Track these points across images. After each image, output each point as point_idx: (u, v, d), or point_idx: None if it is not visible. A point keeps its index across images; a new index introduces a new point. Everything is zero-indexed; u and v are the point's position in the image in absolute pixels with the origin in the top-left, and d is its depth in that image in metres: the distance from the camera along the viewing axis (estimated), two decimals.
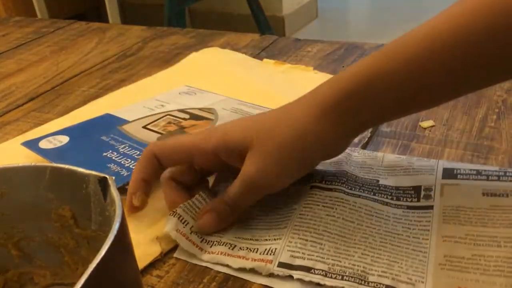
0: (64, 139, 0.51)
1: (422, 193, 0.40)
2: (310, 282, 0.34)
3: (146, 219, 0.42)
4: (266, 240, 0.38)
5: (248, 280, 0.36)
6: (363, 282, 0.34)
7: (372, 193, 0.40)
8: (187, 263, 0.38)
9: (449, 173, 0.41)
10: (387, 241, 0.37)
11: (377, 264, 0.35)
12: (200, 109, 0.56)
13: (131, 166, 0.46)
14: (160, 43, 0.81)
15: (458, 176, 0.41)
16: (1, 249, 0.32)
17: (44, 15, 2.27)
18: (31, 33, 0.90)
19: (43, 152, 0.49)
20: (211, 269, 0.37)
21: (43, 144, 0.51)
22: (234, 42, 0.78)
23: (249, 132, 0.38)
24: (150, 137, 0.51)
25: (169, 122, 0.54)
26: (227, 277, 0.36)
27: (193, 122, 0.54)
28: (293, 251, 0.36)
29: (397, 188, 0.41)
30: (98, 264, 0.22)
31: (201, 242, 0.39)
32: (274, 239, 0.37)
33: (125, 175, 0.45)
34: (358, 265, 0.35)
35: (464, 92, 0.40)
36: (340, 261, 0.35)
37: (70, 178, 0.29)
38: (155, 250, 0.39)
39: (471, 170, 0.41)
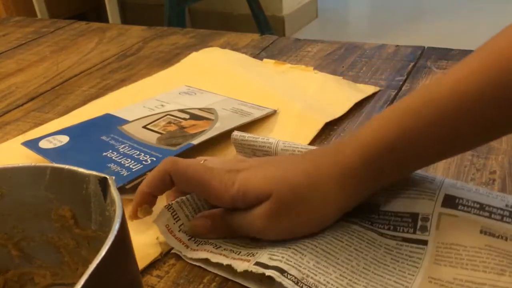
0: (64, 139, 0.51)
1: (419, 223, 0.37)
2: (281, 285, 0.33)
3: (147, 219, 0.42)
4: (251, 247, 0.38)
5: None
6: None
7: (369, 223, 0.39)
8: (187, 264, 0.38)
9: (450, 202, 0.37)
10: (371, 269, 0.36)
11: None
12: (200, 109, 0.56)
13: (131, 166, 0.46)
14: (160, 43, 0.81)
15: (459, 207, 0.37)
16: (1, 249, 0.32)
17: (44, 15, 2.27)
18: (31, 33, 0.90)
19: (43, 152, 0.49)
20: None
21: (43, 144, 0.51)
22: (234, 42, 0.78)
23: (270, 185, 0.37)
24: (150, 137, 0.51)
25: (169, 122, 0.54)
26: (227, 278, 0.36)
27: (193, 122, 0.54)
28: (273, 254, 0.36)
29: (396, 214, 0.39)
30: (98, 264, 0.22)
31: (188, 240, 0.39)
32: (259, 247, 0.37)
33: (125, 174, 0.45)
34: (332, 284, 0.34)
35: (491, 140, 0.40)
36: (316, 275, 0.34)
37: (70, 178, 0.29)
38: (155, 250, 0.39)
39: (474, 202, 0.37)
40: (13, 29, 0.93)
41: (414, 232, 0.37)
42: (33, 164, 0.30)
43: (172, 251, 0.39)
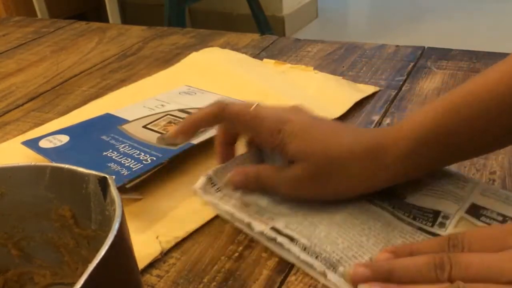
0: (64, 138, 0.51)
1: (439, 219, 0.39)
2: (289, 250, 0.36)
3: (147, 219, 0.42)
4: (274, 213, 0.40)
5: (248, 280, 0.36)
6: (331, 268, 0.35)
7: (391, 207, 0.40)
8: (187, 263, 0.38)
9: (474, 211, 0.39)
10: (379, 246, 0.37)
11: (355, 260, 0.35)
12: (200, 109, 0.56)
13: (131, 166, 0.46)
14: (160, 43, 0.81)
15: (482, 217, 0.38)
16: (1, 249, 0.32)
17: (44, 15, 2.27)
18: (31, 33, 0.90)
19: (43, 152, 0.49)
20: (211, 269, 0.37)
21: (43, 144, 0.51)
22: (234, 42, 0.78)
23: (311, 148, 0.39)
24: (150, 136, 0.51)
25: (169, 122, 0.54)
26: (227, 277, 0.36)
27: None
28: (289, 223, 0.39)
29: (419, 208, 0.40)
30: (98, 264, 0.22)
31: (221, 198, 0.42)
32: (281, 214, 0.40)
33: (125, 174, 0.45)
34: (336, 254, 0.36)
35: None
36: (323, 245, 0.36)
37: (70, 178, 0.29)
38: (155, 250, 0.39)
39: (498, 214, 0.38)
40: (13, 29, 0.93)
41: (432, 226, 0.38)
42: (33, 163, 0.30)
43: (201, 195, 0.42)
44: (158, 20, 1.83)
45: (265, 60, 0.70)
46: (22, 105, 0.65)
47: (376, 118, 0.55)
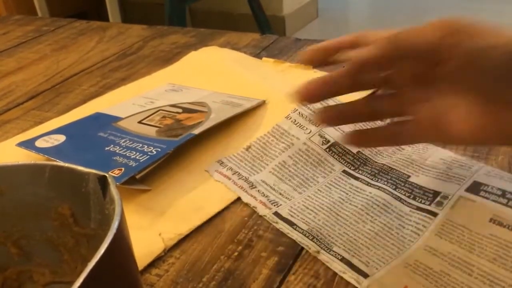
0: (61, 137, 0.51)
1: (437, 199, 0.40)
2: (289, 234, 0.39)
3: (149, 215, 0.42)
4: (280, 194, 0.44)
5: (247, 280, 0.36)
6: (325, 248, 0.37)
7: (393, 187, 0.42)
8: (186, 262, 0.38)
9: (475, 187, 0.40)
10: (375, 230, 0.38)
11: (349, 243, 0.37)
12: (190, 103, 0.57)
13: (137, 157, 0.46)
14: (160, 42, 0.81)
15: (481, 192, 0.39)
16: (1, 247, 0.32)
17: (44, 14, 2.27)
18: (32, 31, 0.90)
19: (42, 151, 0.49)
20: (211, 268, 0.37)
21: (40, 144, 0.50)
22: (234, 41, 0.78)
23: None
24: (148, 131, 0.51)
25: (164, 117, 0.54)
26: (226, 276, 0.36)
27: (187, 115, 0.54)
28: (291, 211, 0.41)
29: (420, 187, 0.42)
30: (97, 263, 0.22)
31: (232, 174, 0.46)
32: (285, 197, 0.43)
33: (133, 166, 0.45)
34: (331, 237, 0.38)
35: None
36: (320, 229, 0.39)
37: (69, 176, 0.29)
38: (158, 247, 0.39)
39: (498, 189, 0.39)
40: (14, 28, 0.93)
41: (429, 204, 0.40)
42: (32, 162, 0.30)
43: (216, 179, 0.46)
44: (158, 19, 1.83)
45: (264, 59, 0.69)
46: (22, 103, 0.65)
47: None
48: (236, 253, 0.39)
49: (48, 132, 0.53)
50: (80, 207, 0.30)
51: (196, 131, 0.50)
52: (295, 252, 0.38)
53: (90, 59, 0.77)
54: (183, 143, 0.48)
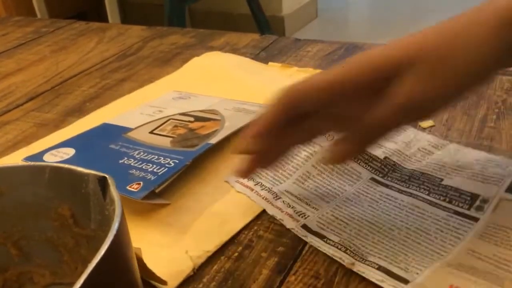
0: (70, 151, 0.49)
1: (477, 203, 0.38)
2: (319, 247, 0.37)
3: (172, 232, 0.40)
4: (307, 204, 0.42)
5: (247, 280, 0.36)
6: (359, 259, 0.36)
7: (427, 193, 0.40)
8: None
9: None
10: (411, 237, 0.37)
11: (385, 251, 0.36)
12: (201, 111, 0.55)
13: (155, 170, 0.44)
14: (160, 43, 0.81)
15: None
16: (1, 248, 0.32)
17: (44, 15, 2.27)
18: (31, 32, 0.90)
19: None
20: (211, 268, 0.37)
21: (48, 158, 0.48)
22: (234, 42, 0.78)
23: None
24: (162, 141, 0.49)
25: (175, 126, 0.52)
26: (227, 277, 0.36)
27: (200, 123, 0.52)
28: (320, 223, 0.39)
29: (456, 189, 0.40)
30: (97, 264, 0.22)
31: (254, 185, 0.44)
32: (313, 207, 0.41)
33: (152, 179, 0.43)
34: (365, 247, 0.37)
35: None
36: (353, 240, 0.37)
37: (69, 177, 0.29)
38: (187, 266, 0.37)
39: None
40: (13, 29, 0.93)
41: (469, 209, 0.38)
42: (32, 163, 0.30)
43: (239, 191, 0.44)
44: (158, 20, 1.83)
45: (270, 63, 0.68)
46: (22, 104, 0.65)
47: None
48: (236, 254, 0.39)
49: (55, 145, 0.50)
50: (80, 207, 0.30)
51: (213, 140, 0.48)
52: (295, 253, 0.38)
53: (90, 60, 0.77)
54: (201, 153, 0.47)
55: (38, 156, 0.48)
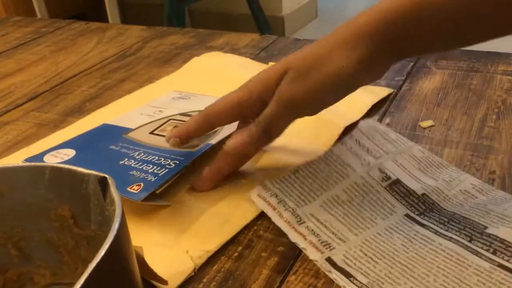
0: (70, 152, 0.48)
1: None
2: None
3: (173, 232, 0.40)
4: (333, 233, 0.39)
5: (247, 280, 0.36)
6: None
7: (468, 239, 0.37)
8: None
9: None
10: (449, 286, 0.33)
11: None
12: (201, 111, 0.55)
13: (155, 171, 0.44)
14: (159, 43, 0.81)
15: None
16: (1, 249, 0.32)
17: (43, 15, 2.27)
18: (31, 32, 0.90)
19: None
20: (211, 268, 0.37)
21: (48, 159, 0.47)
22: (233, 42, 0.78)
23: (287, 64, 0.42)
24: (161, 142, 0.49)
25: (176, 126, 0.51)
26: (227, 276, 0.36)
27: None
28: (346, 258, 0.36)
29: (501, 241, 0.36)
30: (97, 264, 0.22)
31: (277, 203, 0.41)
32: (339, 238, 0.38)
33: (152, 180, 0.43)
34: None
35: None
36: (383, 284, 0.34)
37: (69, 177, 0.29)
38: (188, 266, 0.37)
39: None
40: (13, 29, 0.93)
41: None
42: (32, 164, 0.30)
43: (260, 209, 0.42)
44: (157, 20, 1.83)
45: (270, 63, 0.68)
46: (22, 105, 0.65)
47: (376, 117, 0.54)
48: (236, 254, 0.39)
49: (56, 146, 0.50)
50: (80, 208, 0.30)
51: (213, 140, 0.48)
52: (295, 252, 0.38)
53: (90, 60, 0.77)
54: (201, 153, 0.46)
55: (39, 157, 0.48)
